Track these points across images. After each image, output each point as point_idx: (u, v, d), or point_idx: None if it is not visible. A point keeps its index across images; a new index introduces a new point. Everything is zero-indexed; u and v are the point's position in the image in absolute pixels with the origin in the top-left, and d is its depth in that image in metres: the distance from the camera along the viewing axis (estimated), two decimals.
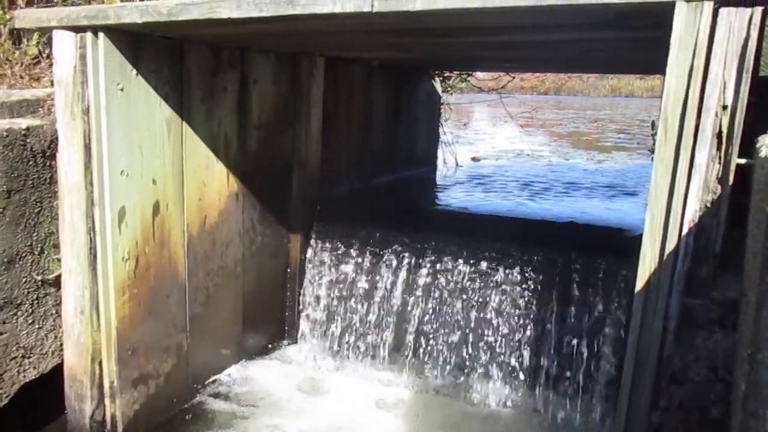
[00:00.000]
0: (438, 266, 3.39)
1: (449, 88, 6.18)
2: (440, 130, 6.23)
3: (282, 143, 3.57)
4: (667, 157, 1.69)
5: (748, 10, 1.53)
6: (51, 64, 3.40)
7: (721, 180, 1.64)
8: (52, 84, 3.13)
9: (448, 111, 6.55)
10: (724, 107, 1.60)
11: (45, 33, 2.79)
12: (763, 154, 1.37)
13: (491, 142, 9.88)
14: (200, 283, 3.11)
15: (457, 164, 6.37)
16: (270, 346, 3.72)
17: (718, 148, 1.63)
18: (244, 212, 3.36)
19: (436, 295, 3.37)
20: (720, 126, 1.62)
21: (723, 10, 1.55)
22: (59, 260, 2.66)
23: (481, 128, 12.82)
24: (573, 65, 5.04)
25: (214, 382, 3.28)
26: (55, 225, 2.62)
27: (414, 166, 5.56)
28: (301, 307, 3.77)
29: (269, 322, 3.72)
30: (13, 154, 2.38)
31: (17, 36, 3.41)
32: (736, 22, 1.54)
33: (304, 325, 3.75)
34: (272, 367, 3.56)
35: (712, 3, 1.55)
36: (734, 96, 1.59)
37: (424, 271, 3.42)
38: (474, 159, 7.12)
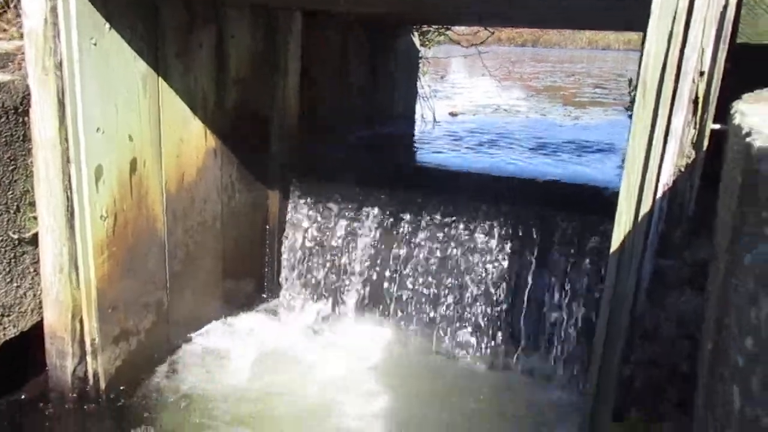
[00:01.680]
0: (416, 222, 3.42)
1: (427, 42, 6.11)
2: (418, 84, 6.19)
3: (260, 99, 3.53)
4: (645, 120, 1.72)
5: None
6: (17, 15, 3.29)
7: (696, 145, 1.68)
8: (21, 37, 3.04)
9: (426, 65, 6.50)
10: (702, 73, 1.62)
11: None
12: (736, 120, 1.40)
13: (468, 96, 9.84)
14: (179, 240, 3.11)
15: (435, 119, 6.35)
16: (250, 301, 3.76)
17: (694, 114, 1.66)
18: (222, 169, 3.35)
19: (414, 250, 3.41)
20: (697, 92, 1.64)
21: None
22: (36, 218, 2.63)
23: (458, 81, 12.74)
24: (552, 21, 5.01)
25: (195, 337, 3.32)
26: (31, 183, 2.59)
27: (392, 121, 5.54)
28: (280, 262, 3.80)
29: (249, 277, 3.75)
30: None
31: None
32: None
33: (284, 280, 3.78)
34: (253, 321, 3.61)
35: None
36: (711, 62, 1.61)
37: (402, 226, 3.46)
38: (452, 114, 7.10)
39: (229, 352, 3.25)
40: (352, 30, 4.57)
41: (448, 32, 6.18)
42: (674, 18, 1.61)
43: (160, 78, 2.81)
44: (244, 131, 3.44)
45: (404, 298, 3.45)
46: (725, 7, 1.58)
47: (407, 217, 3.45)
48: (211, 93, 3.16)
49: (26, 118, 2.50)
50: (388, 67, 5.36)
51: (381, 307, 3.51)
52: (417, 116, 6.18)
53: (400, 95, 5.75)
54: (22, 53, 2.51)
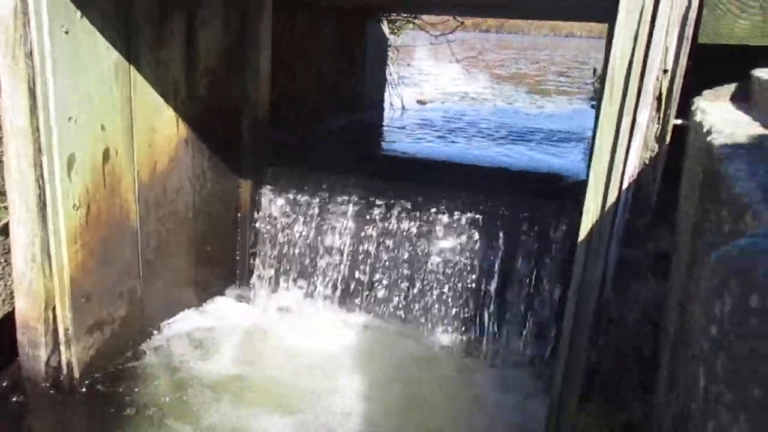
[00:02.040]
0: (387, 210, 3.48)
1: (396, 30, 6.15)
2: (387, 72, 6.23)
3: (231, 88, 3.53)
4: (611, 115, 1.80)
5: None
6: None
7: (660, 139, 1.77)
8: None
9: (395, 53, 6.53)
10: (665, 71, 1.71)
11: None
12: (698, 117, 1.49)
13: (435, 83, 9.92)
14: (152, 229, 3.11)
15: (403, 107, 6.41)
16: (223, 289, 3.78)
17: (658, 109, 1.75)
18: (194, 158, 3.35)
19: (385, 238, 3.47)
20: (660, 88, 1.73)
21: None
22: (6, 208, 2.61)
23: (424, 68, 12.79)
24: (520, 12, 5.09)
25: (169, 325, 3.33)
26: (1, 172, 2.56)
27: (362, 109, 5.57)
28: (252, 250, 3.82)
29: (221, 266, 3.77)
30: None
31: None
32: None
33: (255, 268, 3.81)
34: (225, 308, 3.63)
35: None
36: (674, 61, 1.70)
37: (373, 214, 3.52)
38: (420, 102, 7.16)
39: (202, 339, 3.28)
40: (322, 18, 4.58)
41: (416, 20, 6.22)
42: (640, 19, 1.69)
43: (132, 67, 2.79)
44: (216, 120, 3.44)
45: (375, 284, 3.51)
46: (688, 9, 1.66)
47: (378, 204, 3.51)
48: (182, 82, 3.15)
49: None
50: (358, 55, 5.38)
51: (351, 293, 3.57)
52: (386, 104, 6.23)
53: (370, 83, 5.78)
54: None
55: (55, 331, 2.77)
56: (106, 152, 2.73)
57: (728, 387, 0.46)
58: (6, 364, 2.86)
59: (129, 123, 2.84)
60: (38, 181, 2.53)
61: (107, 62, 2.65)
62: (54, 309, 2.74)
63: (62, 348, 2.80)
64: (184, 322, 3.40)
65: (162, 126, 3.06)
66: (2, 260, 2.67)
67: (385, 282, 3.49)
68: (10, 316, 2.77)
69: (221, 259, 3.76)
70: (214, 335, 3.33)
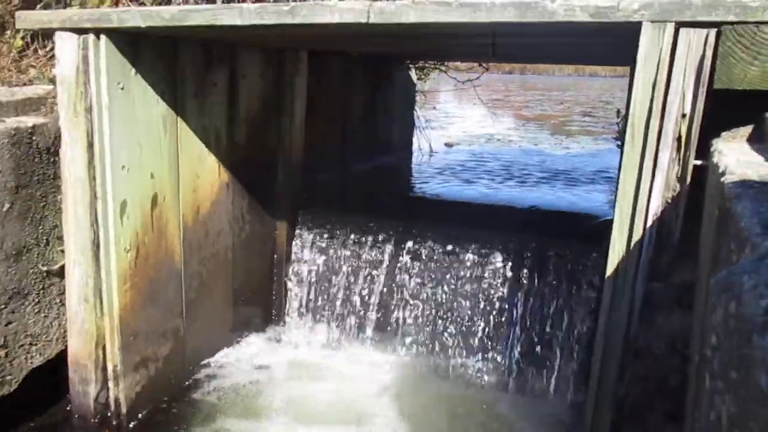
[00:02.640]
0: (418, 251, 3.59)
1: (423, 76, 6.36)
2: (414, 116, 6.42)
3: (268, 134, 3.71)
4: (634, 158, 1.91)
5: (705, 31, 1.75)
6: (36, 55, 3.48)
7: (681, 179, 1.87)
8: (38, 77, 3.22)
9: (422, 97, 6.73)
10: (684, 115, 1.82)
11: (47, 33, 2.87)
12: (715, 159, 1.59)
13: (462, 126, 10.10)
14: (194, 270, 3.26)
15: (431, 150, 6.57)
16: (259, 328, 3.89)
17: (678, 151, 1.85)
18: (233, 202, 3.51)
19: (417, 279, 3.58)
20: (680, 131, 1.84)
21: (683, 31, 1.76)
22: (63, 251, 2.78)
23: (450, 110, 13.03)
24: (545, 60, 5.26)
25: (208, 363, 3.45)
26: (59, 218, 2.75)
27: (391, 152, 5.75)
28: (287, 291, 3.95)
29: (258, 305, 3.89)
30: (21, 152, 2.50)
31: (1, 26, 3.48)
32: (694, 41, 1.76)
33: (290, 308, 3.93)
34: (262, 347, 3.74)
35: (674, 24, 1.76)
36: (692, 105, 1.81)
37: (404, 255, 3.63)
38: (447, 144, 7.33)
39: (240, 377, 3.39)
40: (353, 66, 4.79)
41: (442, 66, 6.43)
42: (658, 67, 1.81)
43: (178, 117, 2.99)
44: (254, 165, 3.62)
45: (406, 322, 3.60)
46: (703, 57, 1.78)
47: (409, 245, 3.62)
48: (224, 129, 3.34)
49: (56, 158, 2.66)
50: (387, 100, 5.58)
51: (385, 333, 3.65)
52: (414, 147, 6.41)
53: (399, 127, 5.97)
54: (53, 97, 2.69)
55: (104, 368, 2.90)
56: (154, 198, 2.91)
57: (723, 382, 0.55)
58: (57, 400, 3.00)
59: (175, 170, 3.02)
60: (93, 226, 2.71)
61: (157, 114, 2.85)
62: (104, 347, 2.87)
63: (110, 384, 2.92)
64: (223, 360, 3.52)
65: (205, 172, 3.24)
66: (58, 301, 2.84)
67: (416, 320, 3.58)
68: (63, 355, 2.92)
69: (258, 299, 3.89)
70: (252, 373, 3.43)
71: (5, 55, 3.19)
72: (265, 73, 3.59)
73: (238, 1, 4.02)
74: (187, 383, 3.28)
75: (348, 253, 3.77)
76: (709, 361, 0.61)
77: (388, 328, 3.64)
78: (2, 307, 2.57)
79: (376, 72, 5.25)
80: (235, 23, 2.22)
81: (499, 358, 3.38)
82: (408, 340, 3.58)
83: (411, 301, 3.58)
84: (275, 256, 3.97)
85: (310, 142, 4.05)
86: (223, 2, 4.01)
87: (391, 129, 5.81)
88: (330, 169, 4.55)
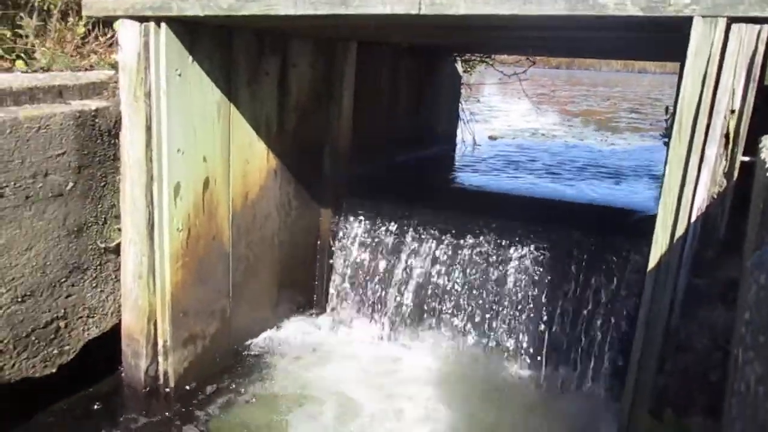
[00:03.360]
0: (460, 241, 3.63)
1: (469, 69, 6.36)
2: (459, 108, 6.43)
3: (316, 123, 3.79)
4: (681, 153, 1.91)
5: (757, 27, 1.74)
6: (97, 42, 3.62)
7: (727, 175, 1.87)
8: (99, 63, 3.36)
9: (467, 90, 6.74)
10: (732, 111, 1.82)
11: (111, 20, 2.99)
12: (764, 155, 1.59)
13: (506, 120, 10.05)
14: (242, 253, 3.37)
15: (475, 143, 6.58)
16: (302, 311, 3.99)
17: (726, 147, 1.85)
18: (281, 188, 3.61)
19: (459, 268, 3.61)
20: (728, 127, 1.84)
21: (735, 26, 1.76)
22: (119, 230, 2.92)
23: (494, 104, 12.96)
24: (593, 53, 5.21)
25: (252, 343, 3.57)
26: (117, 198, 2.88)
27: (436, 144, 5.78)
28: (330, 276, 4.03)
29: (301, 290, 3.99)
30: (84, 133, 2.63)
31: (64, 14, 3.63)
32: (746, 37, 1.75)
33: (333, 293, 4.02)
34: (304, 329, 3.84)
35: (725, 19, 1.76)
36: (741, 101, 1.80)
37: (446, 245, 3.67)
38: (491, 137, 7.32)
39: (282, 357, 3.49)
40: (401, 57, 4.84)
41: (488, 59, 6.42)
42: (708, 61, 1.81)
43: (231, 104, 3.09)
44: (301, 153, 3.71)
45: (447, 312, 3.65)
46: (754, 53, 1.77)
47: (451, 235, 3.66)
48: (274, 117, 3.43)
49: (116, 140, 2.79)
50: (433, 92, 5.61)
51: (424, 320, 3.71)
52: (458, 139, 6.42)
53: (444, 119, 6.00)
54: (114, 82, 2.82)
55: (155, 343, 3.04)
56: (206, 181, 3.02)
57: (753, 351, 0.59)
58: (111, 371, 3.15)
59: (227, 155, 3.12)
60: (148, 207, 2.83)
61: (211, 100, 2.95)
62: (155, 323, 3.01)
63: (160, 359, 3.06)
64: (267, 341, 3.63)
65: (254, 157, 3.34)
66: (113, 277, 2.97)
67: (457, 311, 3.62)
68: (117, 328, 3.06)
69: (301, 284, 3.99)
70: (293, 355, 3.53)
71: (69, 42, 3.34)
72: (315, 63, 3.67)
73: None
74: (231, 361, 3.39)
75: (390, 241, 3.83)
76: (743, 337, 0.64)
77: (428, 316, 3.69)
78: (63, 280, 2.72)
79: (423, 63, 5.28)
80: (289, 13, 2.29)
81: (540, 351, 3.40)
82: (446, 327, 3.63)
83: (451, 291, 3.62)
84: (319, 242, 4.05)
85: (358, 131, 4.12)
86: None
87: (436, 120, 5.84)
88: (375, 158, 4.62)
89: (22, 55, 3.01)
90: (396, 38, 3.93)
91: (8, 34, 3.07)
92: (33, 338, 2.63)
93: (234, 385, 3.20)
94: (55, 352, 2.76)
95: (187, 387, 3.14)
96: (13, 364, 2.58)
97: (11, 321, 2.52)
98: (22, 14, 3.16)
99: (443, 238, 3.68)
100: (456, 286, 3.62)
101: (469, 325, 3.59)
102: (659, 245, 2.00)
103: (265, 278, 3.64)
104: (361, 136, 4.21)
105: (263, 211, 3.49)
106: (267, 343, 3.62)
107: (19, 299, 2.53)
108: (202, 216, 3.04)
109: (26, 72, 2.81)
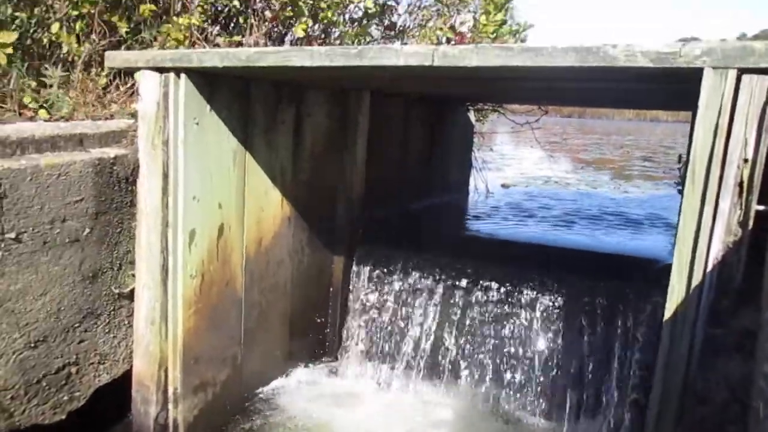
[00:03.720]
0: (473, 290, 3.61)
1: (481, 118, 6.44)
2: (472, 157, 6.48)
3: (330, 170, 3.84)
4: (694, 202, 1.91)
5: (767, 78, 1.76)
6: (117, 91, 3.72)
7: (742, 224, 1.86)
8: (119, 112, 3.44)
9: (480, 138, 6.80)
10: (746, 160, 1.82)
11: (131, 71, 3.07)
12: None
13: (518, 167, 10.10)
14: (255, 299, 3.37)
15: (487, 191, 6.60)
16: (313, 360, 3.96)
17: (740, 196, 1.85)
18: (294, 234, 3.63)
19: (471, 317, 3.58)
20: (741, 176, 1.84)
21: (746, 77, 1.78)
22: (134, 275, 2.93)
23: (507, 152, 13.04)
24: (604, 103, 5.26)
25: (263, 391, 3.53)
26: (132, 244, 2.90)
27: (448, 192, 5.81)
28: (342, 323, 4.01)
29: (314, 337, 3.97)
30: (102, 180, 2.68)
31: (87, 63, 3.74)
32: (756, 87, 1.77)
33: (345, 342, 3.98)
34: (315, 379, 3.80)
35: (736, 71, 1.78)
36: (754, 151, 1.81)
37: (459, 293, 3.65)
38: (504, 186, 7.35)
39: (293, 407, 3.44)
40: (414, 106, 4.91)
41: (500, 108, 6.50)
42: (719, 112, 1.82)
43: (247, 152, 3.14)
44: (315, 200, 3.74)
45: (460, 362, 3.60)
46: (765, 104, 1.78)
47: (464, 283, 3.64)
48: (289, 165, 3.48)
49: (133, 187, 2.83)
50: (445, 140, 5.67)
51: (436, 370, 3.66)
52: (471, 187, 6.45)
53: (456, 167, 6.04)
54: (133, 130, 2.88)
55: (165, 390, 3.01)
56: (221, 228, 3.04)
57: None
58: (121, 418, 3.12)
59: (241, 202, 3.16)
60: (163, 252, 2.85)
61: (227, 148, 3.00)
62: (166, 369, 2.99)
63: (170, 406, 3.03)
64: (278, 389, 3.59)
65: (269, 205, 3.37)
66: (126, 322, 2.98)
67: (469, 361, 3.58)
68: (127, 375, 3.04)
69: (313, 331, 3.96)
70: (304, 404, 3.49)
71: (91, 91, 3.43)
72: (330, 112, 3.74)
73: (306, 44, 4.22)
74: (242, 409, 3.35)
75: (403, 288, 3.81)
76: (763, 391, 0.63)
77: (441, 365, 3.64)
78: (76, 325, 2.73)
79: (436, 112, 5.35)
80: (305, 64, 2.35)
81: (555, 403, 3.34)
82: (459, 377, 3.57)
83: (464, 339, 3.58)
84: (331, 288, 4.05)
85: (370, 179, 4.16)
86: (291, 45, 4.22)
87: (449, 168, 5.88)
88: (389, 205, 4.64)
89: (45, 105, 3.10)
90: (409, 88, 4.00)
91: (33, 84, 3.16)
92: (44, 384, 2.63)
93: None
94: (66, 398, 2.75)
95: None
96: (24, 411, 2.57)
97: (23, 366, 2.52)
98: (47, 65, 3.27)
99: (457, 286, 3.66)
100: (470, 336, 3.58)
101: (483, 375, 3.53)
102: (675, 295, 1.98)
103: (277, 325, 3.62)
104: (374, 184, 4.25)
105: (276, 257, 3.50)
106: (278, 391, 3.58)
107: (32, 344, 2.54)
108: (216, 262, 3.05)
109: (49, 120, 2.88)
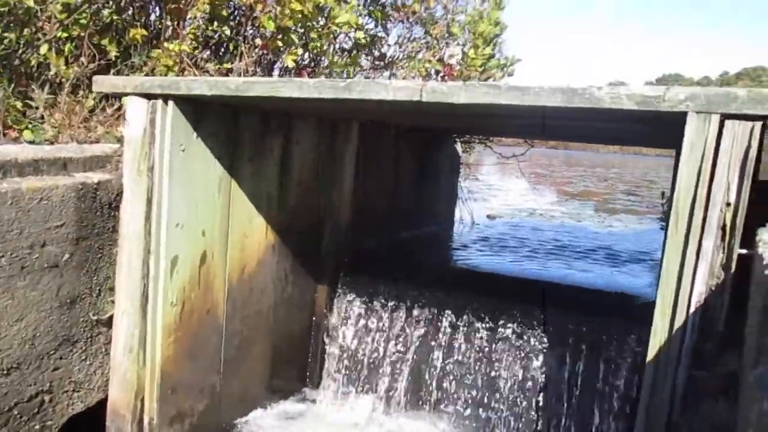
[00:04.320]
0: (457, 323, 3.59)
1: (468, 149, 6.48)
2: (459, 187, 6.51)
3: (317, 199, 3.82)
4: (678, 243, 1.92)
5: (750, 124, 1.78)
6: (104, 114, 3.69)
7: (725, 267, 1.87)
8: (104, 136, 3.42)
9: (466, 169, 6.84)
10: (728, 204, 1.84)
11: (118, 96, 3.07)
12: (761, 249, 1.60)
13: (504, 199, 10.15)
14: (236, 327, 3.32)
15: (473, 221, 6.62)
16: (294, 390, 3.90)
17: (723, 239, 1.86)
18: (278, 262, 3.60)
19: (454, 349, 3.56)
20: (724, 220, 1.85)
21: (728, 122, 1.80)
22: (113, 302, 2.88)
23: (493, 183, 13.12)
24: (590, 140, 5.32)
25: (242, 421, 3.46)
26: (112, 270, 2.86)
27: (435, 222, 5.81)
28: (324, 353, 3.96)
29: (294, 367, 3.91)
30: (85, 205, 2.64)
31: (75, 86, 3.72)
32: (739, 133, 1.79)
33: (327, 371, 3.93)
34: (296, 409, 3.74)
35: (719, 116, 1.81)
36: (737, 195, 1.83)
37: (443, 325, 3.63)
38: (489, 216, 7.37)
39: None
40: (402, 136, 4.93)
41: (487, 140, 6.55)
42: (702, 156, 1.85)
43: (233, 179, 3.12)
44: (300, 228, 3.72)
45: (443, 394, 3.56)
46: (748, 148, 1.81)
47: (448, 315, 3.62)
48: (275, 193, 3.46)
49: (116, 213, 2.80)
50: (433, 170, 5.69)
51: (419, 402, 3.62)
52: (456, 218, 6.47)
53: (443, 197, 6.06)
54: (119, 155, 2.86)
55: (141, 420, 2.95)
56: (203, 255, 3.01)
57: None
58: None
59: (226, 229, 3.13)
60: (144, 279, 2.81)
61: (213, 175, 2.99)
62: (143, 399, 2.93)
63: None
64: (257, 420, 3.52)
65: (253, 232, 3.34)
66: (103, 350, 2.92)
67: (453, 393, 3.54)
68: (103, 403, 2.97)
69: (295, 360, 3.91)
70: None
71: (77, 114, 3.41)
72: (318, 141, 3.74)
73: (296, 73, 4.24)
74: None
75: (386, 319, 3.78)
76: None
77: (423, 397, 3.60)
78: (52, 352, 2.67)
79: (424, 143, 5.38)
80: (294, 95, 2.35)
81: None
82: (443, 410, 3.53)
83: (447, 372, 3.55)
84: (314, 318, 4.01)
85: (358, 209, 4.15)
86: (279, 76, 4.23)
87: (436, 199, 5.90)
88: (376, 235, 4.63)
89: (29, 126, 3.07)
90: (397, 120, 4.02)
91: (18, 105, 3.14)
92: (15, 413, 2.56)
93: None
94: (37, 427, 2.67)
95: None
96: None
97: None
98: (33, 86, 3.25)
99: (440, 318, 3.64)
100: (452, 367, 3.55)
101: (464, 409, 3.50)
102: (658, 336, 1.98)
103: (258, 354, 3.57)
104: (363, 213, 4.24)
105: (259, 285, 3.47)
106: (257, 422, 3.51)
107: (5, 371, 2.47)
108: (197, 290, 3.01)
109: (33, 142, 2.85)
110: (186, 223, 2.86)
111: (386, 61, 4.90)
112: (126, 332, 2.86)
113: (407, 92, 2.18)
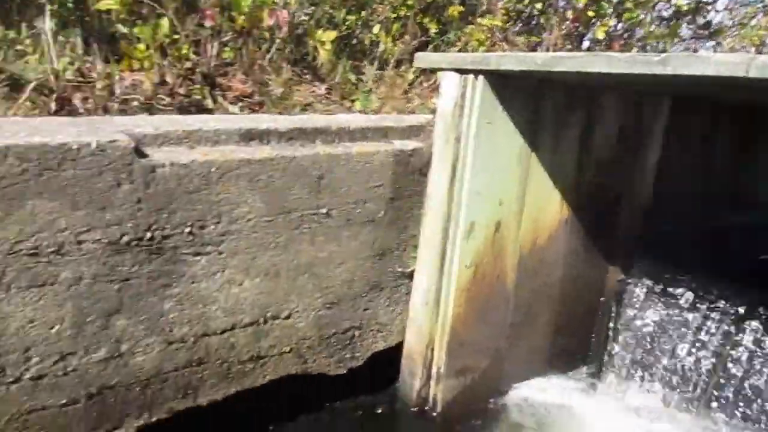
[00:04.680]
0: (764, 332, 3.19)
1: None
2: None
3: (615, 177, 3.69)
4: None
5: None
6: (420, 87, 4.04)
7: None
8: (419, 107, 3.74)
9: None
10: None
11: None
12: None
13: None
14: (523, 297, 3.43)
15: None
16: (575, 368, 3.89)
17: None
18: (570, 239, 3.58)
19: (757, 358, 3.18)
20: None
21: None
22: (415, 258, 3.21)
23: None
24: None
25: (520, 387, 3.59)
26: (417, 229, 3.17)
27: (754, 211, 5.14)
28: (609, 337, 3.86)
29: (577, 344, 3.90)
30: (400, 170, 2.97)
31: (398, 62, 4.13)
32: None
33: (609, 356, 3.83)
34: (574, 387, 3.73)
35: None
36: None
37: (752, 326, 3.26)
38: None
39: (549, 409, 3.44)
40: (719, 113, 4.45)
41: None
42: None
43: (532, 152, 3.19)
44: (595, 206, 3.64)
45: (745, 396, 3.22)
46: None
47: (761, 316, 3.24)
48: (572, 170, 3.43)
49: (424, 178, 3.09)
50: (758, 150, 5.02)
51: (713, 401, 3.33)
52: None
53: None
54: (430, 126, 3.13)
55: (430, 368, 3.25)
56: (498, 224, 3.16)
57: None
58: (388, 384, 3.44)
59: (521, 201, 3.23)
60: (443, 240, 3.06)
61: (513, 148, 3.09)
62: (433, 349, 3.22)
63: (432, 383, 3.27)
64: (535, 388, 3.61)
65: (547, 206, 3.38)
66: (404, 299, 3.28)
67: (750, 398, 3.18)
68: (399, 346, 3.35)
69: (578, 338, 3.89)
70: (558, 410, 3.46)
71: (399, 87, 3.81)
72: (622, 118, 3.59)
73: (606, 45, 4.11)
74: (498, 401, 3.46)
75: (684, 311, 3.53)
76: None
77: (716, 400, 3.31)
78: (363, 295, 3.09)
79: (746, 120, 4.77)
80: (603, 71, 2.31)
81: None
82: (736, 417, 3.21)
83: (751, 375, 3.19)
84: (602, 299, 3.92)
85: (660, 191, 3.90)
86: (588, 48, 4.14)
87: (757, 186, 5.20)
88: (681, 220, 4.29)
89: (359, 98, 3.53)
90: (718, 95, 3.64)
91: (353, 78, 3.63)
92: (333, 341, 3.04)
93: (495, 424, 3.27)
94: (348, 356, 3.14)
95: (452, 415, 3.29)
96: (315, 360, 3.00)
97: (319, 323, 2.94)
98: (365, 62, 3.71)
99: (749, 317, 3.27)
100: (755, 375, 3.18)
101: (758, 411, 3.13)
102: None
103: (542, 326, 3.64)
104: (665, 194, 3.97)
105: (549, 258, 3.51)
106: (534, 392, 3.60)
107: (328, 305, 2.95)
108: (490, 256, 3.18)
109: (362, 111, 3.29)
110: (485, 192, 3.02)
111: (710, 30, 4.44)
112: (424, 287, 3.17)
113: (731, 67, 1.99)
